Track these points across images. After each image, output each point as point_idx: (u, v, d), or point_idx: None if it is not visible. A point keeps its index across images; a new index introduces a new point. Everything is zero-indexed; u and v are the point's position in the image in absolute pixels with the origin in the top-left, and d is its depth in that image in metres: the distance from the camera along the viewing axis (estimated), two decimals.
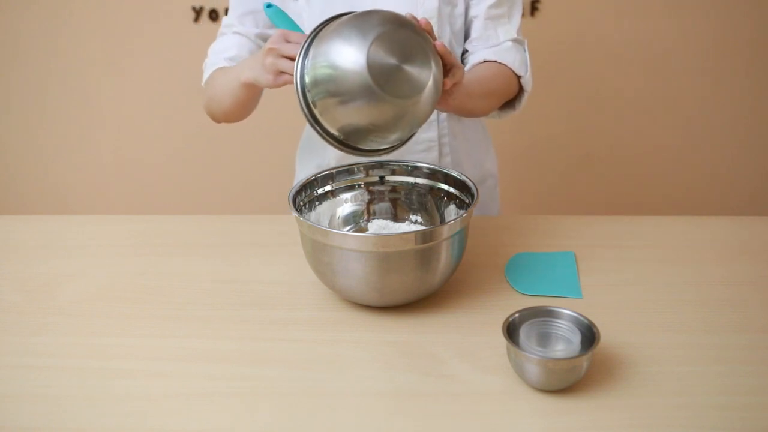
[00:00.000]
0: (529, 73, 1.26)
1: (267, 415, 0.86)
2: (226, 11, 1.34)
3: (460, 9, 1.27)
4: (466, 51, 1.30)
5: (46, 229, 1.30)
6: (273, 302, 1.07)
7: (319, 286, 1.10)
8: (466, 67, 1.26)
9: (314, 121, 1.02)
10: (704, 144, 2.52)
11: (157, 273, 1.16)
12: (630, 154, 2.53)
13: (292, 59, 1.02)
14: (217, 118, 1.32)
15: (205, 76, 1.31)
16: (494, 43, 1.27)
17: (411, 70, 0.98)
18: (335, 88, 0.98)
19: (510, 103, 1.30)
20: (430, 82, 0.99)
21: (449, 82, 1.02)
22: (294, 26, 1.12)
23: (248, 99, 1.20)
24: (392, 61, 0.96)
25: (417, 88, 0.98)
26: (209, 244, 1.24)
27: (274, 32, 1.07)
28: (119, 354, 0.97)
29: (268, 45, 1.05)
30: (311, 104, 1.01)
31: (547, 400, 0.87)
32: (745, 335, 0.98)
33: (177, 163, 2.61)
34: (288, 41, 1.04)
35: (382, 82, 0.95)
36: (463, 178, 1.12)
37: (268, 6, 1.13)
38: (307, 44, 1.01)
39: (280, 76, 1.05)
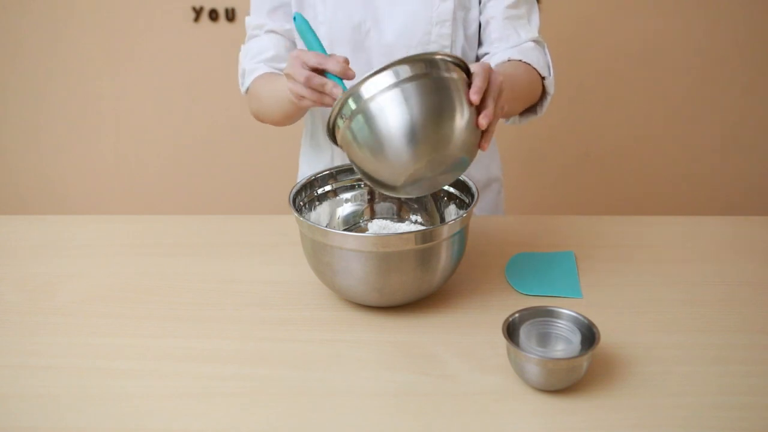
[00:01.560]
0: (552, 75, 1.23)
1: (267, 415, 0.86)
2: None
3: (474, 13, 1.25)
4: (486, 54, 1.26)
5: (46, 229, 1.30)
6: (273, 302, 1.08)
7: (319, 286, 1.10)
8: (492, 66, 1.19)
9: (333, 141, 1.01)
10: (704, 144, 2.52)
11: (157, 273, 1.16)
12: (630, 154, 2.53)
13: (306, 84, 1.00)
14: (267, 123, 1.30)
15: (246, 82, 1.29)
16: (516, 43, 1.23)
17: (443, 178, 0.97)
18: (363, 155, 0.95)
19: (531, 108, 1.26)
20: (459, 174, 0.99)
21: (486, 145, 0.97)
22: (316, 40, 1.06)
23: (298, 112, 1.19)
24: (427, 176, 0.95)
25: (439, 185, 1.00)
26: (209, 244, 1.24)
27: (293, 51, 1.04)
28: (119, 354, 0.97)
29: (285, 70, 1.03)
30: (335, 129, 0.98)
31: (547, 400, 0.87)
32: (745, 335, 0.98)
33: (177, 163, 2.61)
34: (303, 63, 1.00)
35: (409, 187, 0.96)
36: (463, 178, 1.12)
37: (295, 17, 1.08)
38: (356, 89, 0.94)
39: (302, 100, 1.03)
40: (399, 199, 1.19)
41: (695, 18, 2.37)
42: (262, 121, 1.30)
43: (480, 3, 1.25)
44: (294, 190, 1.10)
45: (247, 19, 1.31)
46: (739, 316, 1.02)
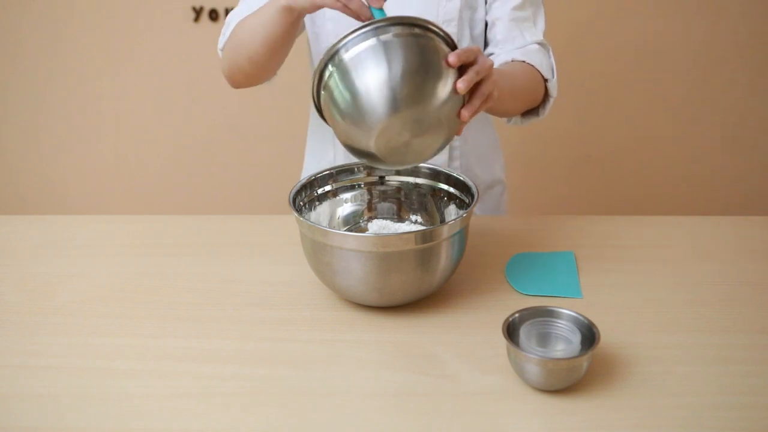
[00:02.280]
0: (555, 78, 1.23)
1: (267, 415, 0.86)
2: (227, 12, 1.33)
3: (480, 14, 1.25)
4: (492, 54, 1.26)
5: (46, 229, 1.30)
6: (273, 302, 1.08)
7: (319, 286, 1.10)
8: (495, 65, 1.19)
9: (319, 111, 1.01)
10: (704, 144, 2.52)
11: (157, 273, 1.16)
12: (630, 154, 2.53)
13: None
14: (241, 74, 1.21)
15: (224, 38, 1.24)
16: (520, 44, 1.23)
17: (422, 142, 0.96)
18: (344, 117, 0.95)
19: (533, 109, 1.26)
20: (441, 148, 0.98)
21: (467, 114, 0.96)
22: None
23: (283, 33, 1.10)
24: (404, 137, 0.94)
25: (423, 156, 0.98)
26: (209, 244, 1.24)
27: None
28: (119, 354, 0.97)
29: None
30: (321, 96, 0.98)
31: (547, 400, 0.87)
32: (745, 335, 0.98)
33: (177, 163, 2.61)
34: None
35: (386, 153, 0.95)
36: (463, 178, 1.12)
37: None
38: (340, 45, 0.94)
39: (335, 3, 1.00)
40: (399, 198, 1.19)
41: (695, 19, 2.37)
42: (235, 70, 1.21)
43: (486, 3, 1.25)
44: (294, 190, 1.10)
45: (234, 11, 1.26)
46: (739, 316, 1.02)
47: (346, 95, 0.93)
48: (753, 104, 2.46)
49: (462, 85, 0.92)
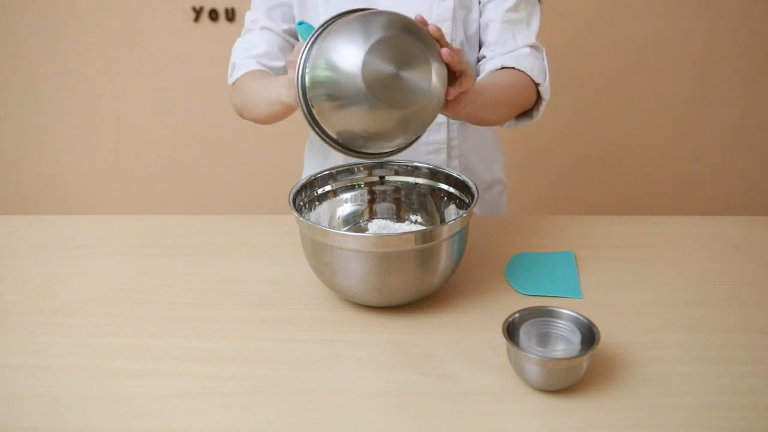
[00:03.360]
0: (548, 81, 1.23)
1: (267, 415, 0.86)
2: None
3: (474, 14, 1.25)
4: (484, 57, 1.26)
5: (46, 229, 1.30)
6: (273, 302, 1.08)
7: (319, 286, 1.10)
8: (483, 74, 1.23)
9: (313, 122, 1.01)
10: (704, 144, 2.52)
11: (157, 273, 1.16)
12: (630, 154, 2.53)
13: None
14: (248, 119, 1.30)
15: (234, 76, 1.29)
16: (512, 48, 1.23)
17: (409, 78, 0.96)
18: (331, 92, 0.97)
19: (527, 112, 1.26)
20: (430, 92, 0.97)
21: (453, 91, 0.99)
22: None
23: (283, 115, 1.18)
24: (390, 68, 0.95)
25: (414, 97, 0.97)
26: (209, 244, 1.24)
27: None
28: (119, 354, 0.97)
29: (289, 57, 1.04)
30: (311, 105, 1.00)
31: (547, 400, 0.87)
32: (745, 335, 0.98)
33: (177, 163, 2.61)
34: None
35: (378, 90, 0.95)
36: (463, 178, 1.12)
37: (300, 23, 1.11)
38: (311, 42, 0.99)
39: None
40: (399, 199, 1.19)
41: (696, 18, 2.37)
42: (243, 116, 1.30)
43: (480, 4, 1.25)
44: (294, 190, 1.10)
45: (247, 13, 1.33)
46: (739, 316, 1.02)
47: (327, 62, 0.97)
48: (753, 104, 2.46)
49: (447, 51, 0.98)
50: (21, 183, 2.65)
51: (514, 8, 1.23)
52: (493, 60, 1.23)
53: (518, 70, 1.21)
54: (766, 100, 2.46)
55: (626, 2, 2.36)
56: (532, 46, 1.25)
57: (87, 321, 1.04)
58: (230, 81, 1.31)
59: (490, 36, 1.25)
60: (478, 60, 1.29)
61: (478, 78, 1.22)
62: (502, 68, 1.21)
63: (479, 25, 1.27)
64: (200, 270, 1.16)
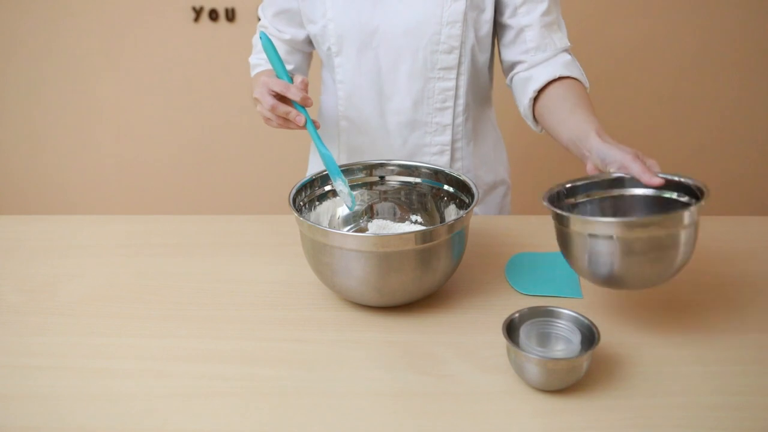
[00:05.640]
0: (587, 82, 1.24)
1: (267, 415, 0.86)
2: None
3: (487, 15, 1.24)
4: (520, 62, 1.25)
5: (46, 229, 1.30)
6: (273, 302, 1.08)
7: (319, 286, 1.10)
8: (537, 85, 1.20)
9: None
10: (704, 144, 2.52)
11: (157, 273, 1.16)
12: None
13: (272, 111, 1.10)
14: None
15: (252, 73, 1.38)
16: (552, 53, 1.23)
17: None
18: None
19: None
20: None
21: (657, 181, 0.99)
22: (279, 63, 1.11)
23: None
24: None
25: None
26: (209, 244, 1.24)
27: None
28: (119, 354, 0.97)
29: (254, 95, 1.14)
30: None
31: (547, 400, 0.87)
32: (745, 335, 0.98)
33: (177, 163, 2.61)
34: (269, 90, 1.10)
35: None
36: (463, 178, 1.12)
37: (261, 35, 1.12)
38: None
39: (269, 122, 1.14)
40: (399, 198, 1.19)
41: (696, 18, 2.37)
42: None
43: (502, 6, 1.24)
44: (294, 190, 1.10)
45: (259, 8, 1.36)
46: (739, 315, 1.02)
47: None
48: (753, 103, 2.46)
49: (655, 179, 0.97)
50: (21, 183, 2.65)
51: (547, 12, 1.23)
52: (538, 68, 1.22)
53: (574, 78, 1.21)
54: (766, 100, 2.46)
55: (625, 2, 2.36)
56: (568, 51, 1.25)
57: (87, 321, 1.04)
58: (251, 62, 1.40)
59: (530, 42, 1.24)
60: (512, 65, 1.27)
61: (544, 91, 1.21)
62: (559, 78, 1.20)
63: (493, 27, 1.26)
64: (200, 270, 1.16)
